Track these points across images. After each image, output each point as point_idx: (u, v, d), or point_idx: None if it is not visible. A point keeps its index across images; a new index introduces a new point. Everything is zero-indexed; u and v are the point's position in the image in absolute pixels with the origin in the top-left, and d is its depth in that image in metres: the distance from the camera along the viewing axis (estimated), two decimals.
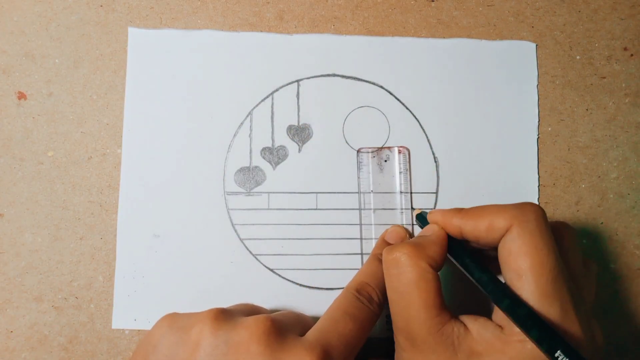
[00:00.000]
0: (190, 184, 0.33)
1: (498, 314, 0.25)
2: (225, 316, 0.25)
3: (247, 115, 0.34)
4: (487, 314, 0.26)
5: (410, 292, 0.25)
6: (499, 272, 0.26)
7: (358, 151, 0.33)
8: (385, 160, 0.33)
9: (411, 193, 0.33)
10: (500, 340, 0.23)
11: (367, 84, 0.34)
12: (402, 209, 0.33)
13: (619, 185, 0.34)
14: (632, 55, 0.34)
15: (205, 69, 0.34)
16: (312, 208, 0.33)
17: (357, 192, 0.33)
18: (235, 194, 0.33)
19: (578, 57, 0.34)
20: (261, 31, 0.34)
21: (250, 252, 0.33)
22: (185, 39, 0.34)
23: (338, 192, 0.33)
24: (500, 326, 0.24)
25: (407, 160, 0.33)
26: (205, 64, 0.34)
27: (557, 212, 0.33)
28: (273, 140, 0.34)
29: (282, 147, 0.33)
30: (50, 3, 0.34)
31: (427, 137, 0.34)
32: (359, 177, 0.32)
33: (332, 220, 0.33)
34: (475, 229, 0.25)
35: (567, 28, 0.34)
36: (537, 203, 0.25)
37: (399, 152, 0.32)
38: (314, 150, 0.33)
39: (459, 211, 0.26)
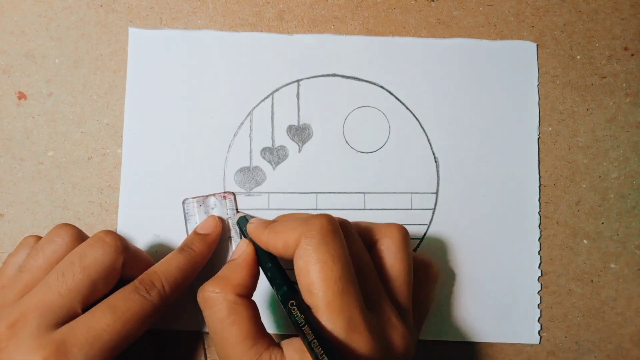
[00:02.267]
0: (190, 184, 0.33)
1: None
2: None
3: (247, 115, 0.34)
4: None
5: (223, 328, 0.24)
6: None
7: (183, 202, 0.32)
8: (212, 208, 0.32)
9: (411, 194, 0.33)
10: None
11: (367, 84, 0.34)
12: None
13: (620, 185, 0.34)
14: (632, 54, 0.34)
15: (205, 69, 0.34)
16: (312, 208, 0.33)
17: (358, 192, 0.33)
18: (236, 194, 0.33)
19: (579, 57, 0.34)
20: (261, 31, 0.34)
21: None
22: (185, 39, 0.34)
23: (338, 192, 0.33)
24: None
25: (234, 204, 0.32)
26: (205, 64, 0.34)
27: (558, 212, 0.33)
28: (273, 140, 0.34)
29: (282, 147, 0.33)
30: (50, 3, 0.34)
31: (427, 137, 0.34)
32: (187, 230, 0.32)
33: None
34: (276, 246, 0.25)
35: (567, 28, 0.34)
36: (326, 214, 0.25)
37: (224, 197, 0.32)
38: (314, 150, 0.33)
39: (267, 225, 0.26)
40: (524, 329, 0.32)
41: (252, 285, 0.26)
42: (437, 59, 0.34)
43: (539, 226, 0.33)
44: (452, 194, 0.33)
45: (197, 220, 0.32)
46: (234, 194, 0.33)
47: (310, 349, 0.22)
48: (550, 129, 0.34)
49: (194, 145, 0.33)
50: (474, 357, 0.32)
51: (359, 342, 0.22)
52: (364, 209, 0.33)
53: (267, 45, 0.34)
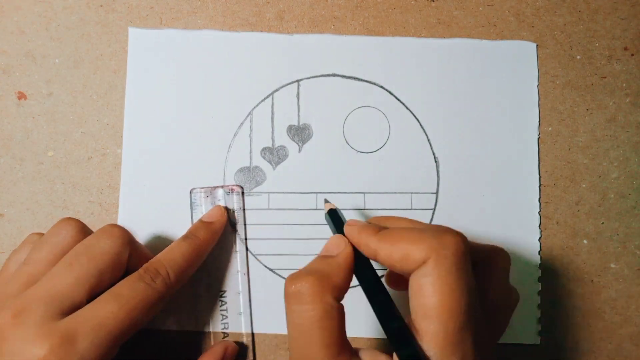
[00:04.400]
0: (190, 184, 0.33)
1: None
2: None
3: (247, 115, 0.34)
4: None
5: (312, 331, 0.22)
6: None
7: (191, 191, 0.32)
8: (219, 200, 0.32)
9: (412, 194, 0.33)
10: None
11: (367, 84, 0.34)
12: (236, 250, 0.32)
13: (620, 185, 0.34)
14: (632, 54, 0.34)
15: (205, 69, 0.34)
16: (312, 208, 0.33)
17: (358, 192, 0.33)
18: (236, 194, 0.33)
19: (579, 57, 0.34)
20: (261, 31, 0.34)
21: (251, 252, 0.33)
22: (185, 39, 0.34)
23: (338, 192, 0.33)
24: None
25: (241, 198, 0.32)
26: (205, 64, 0.34)
27: (558, 212, 0.33)
28: (273, 140, 0.34)
29: (282, 147, 0.33)
30: (50, 3, 0.34)
31: (427, 137, 0.34)
32: (192, 220, 0.32)
33: None
34: (390, 257, 0.23)
35: (567, 28, 0.34)
36: (459, 232, 0.22)
37: (232, 190, 0.32)
38: (314, 150, 0.33)
39: (377, 232, 0.24)
40: (524, 329, 0.32)
41: (347, 289, 0.24)
42: (437, 59, 0.34)
43: (539, 226, 0.33)
44: (452, 194, 0.33)
45: (203, 210, 0.32)
46: (242, 187, 0.33)
47: None
48: (550, 129, 0.34)
49: (194, 145, 0.33)
50: None
51: None
52: (364, 209, 0.33)
53: (267, 45, 0.34)
